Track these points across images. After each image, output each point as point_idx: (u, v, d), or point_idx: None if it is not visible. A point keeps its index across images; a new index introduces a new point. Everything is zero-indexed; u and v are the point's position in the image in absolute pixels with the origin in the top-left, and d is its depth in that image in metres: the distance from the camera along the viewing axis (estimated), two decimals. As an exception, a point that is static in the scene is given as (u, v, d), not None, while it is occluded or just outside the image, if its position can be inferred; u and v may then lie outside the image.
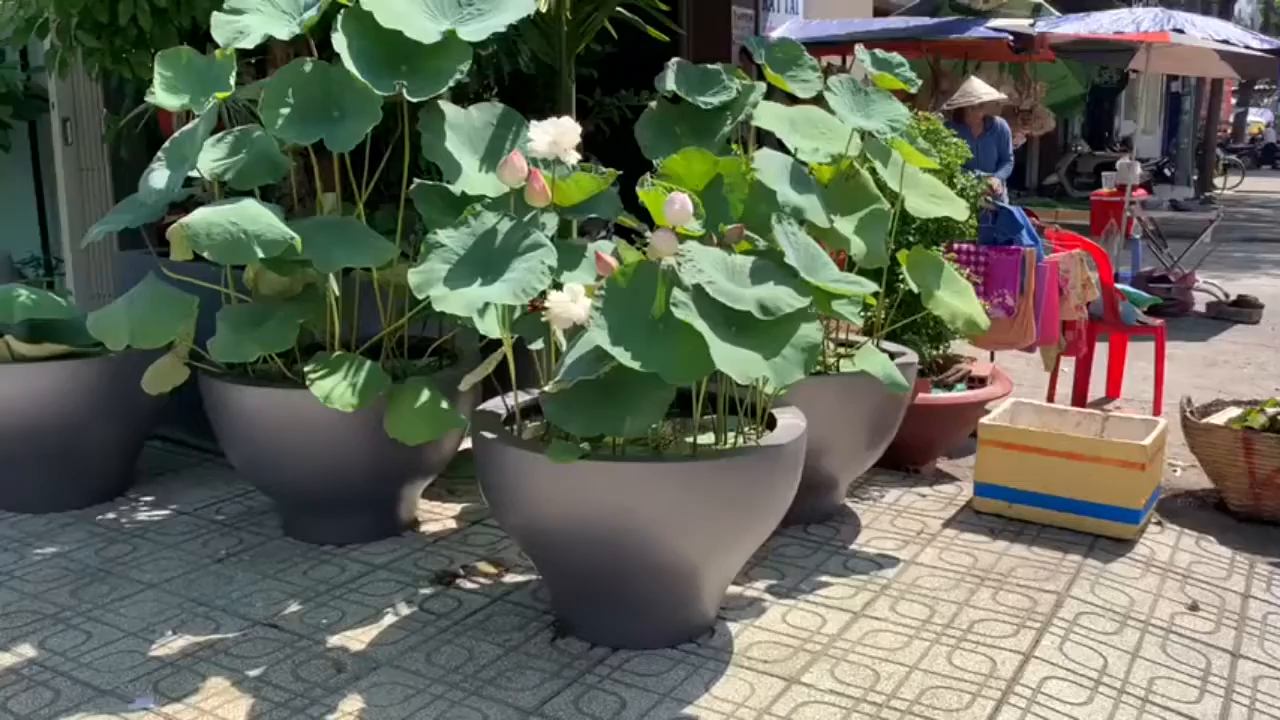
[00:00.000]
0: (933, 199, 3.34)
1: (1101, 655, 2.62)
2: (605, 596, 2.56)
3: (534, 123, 2.56)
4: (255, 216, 2.48)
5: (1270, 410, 3.75)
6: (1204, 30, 7.54)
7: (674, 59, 3.19)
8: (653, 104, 3.19)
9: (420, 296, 2.24)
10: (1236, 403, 4.09)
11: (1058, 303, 4.87)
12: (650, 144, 3.14)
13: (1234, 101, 27.03)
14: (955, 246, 4.48)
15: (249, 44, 2.66)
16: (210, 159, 2.83)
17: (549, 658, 2.54)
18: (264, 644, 2.61)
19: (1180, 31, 7.32)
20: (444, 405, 2.94)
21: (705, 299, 2.19)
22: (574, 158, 2.56)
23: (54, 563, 3.07)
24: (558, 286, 2.34)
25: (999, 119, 6.60)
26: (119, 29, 3.70)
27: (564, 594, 2.67)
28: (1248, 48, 7.48)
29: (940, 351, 4.17)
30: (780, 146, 3.00)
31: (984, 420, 3.55)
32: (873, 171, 3.25)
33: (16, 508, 3.45)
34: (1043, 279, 4.71)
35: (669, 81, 3.15)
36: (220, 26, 2.69)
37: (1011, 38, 8.11)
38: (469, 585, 2.95)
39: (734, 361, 2.13)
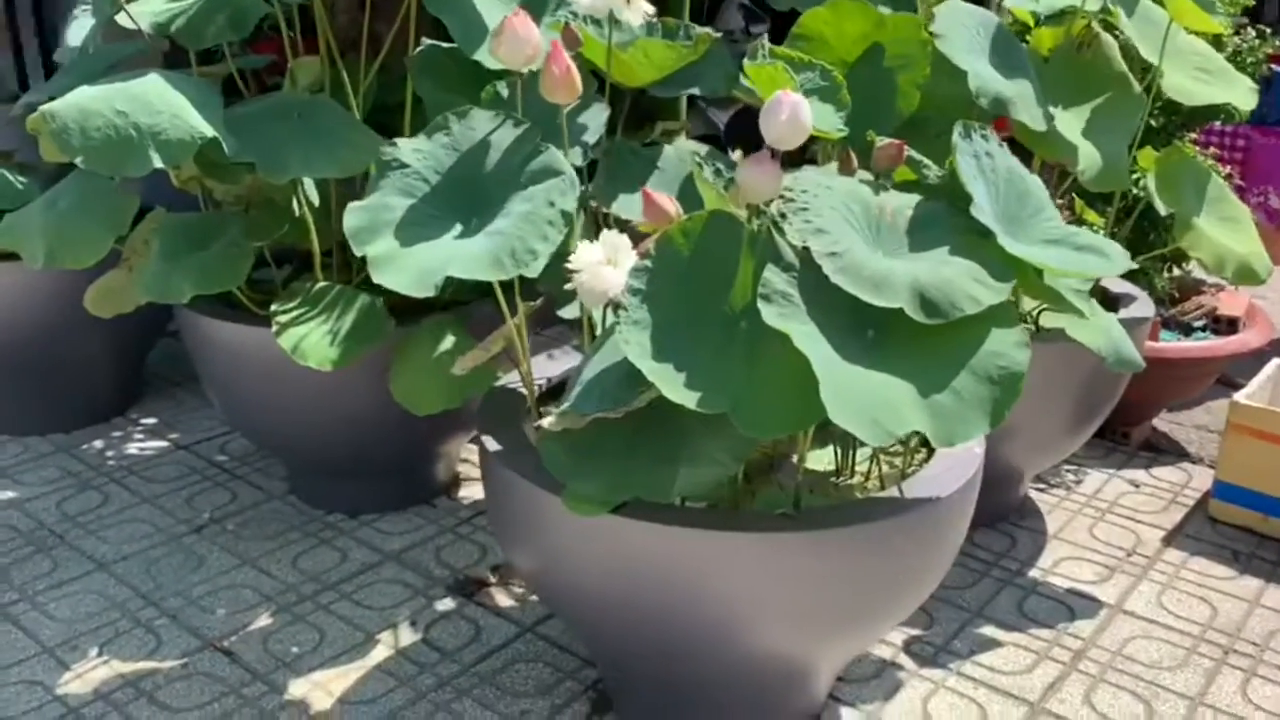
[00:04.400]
0: (1200, 75, 2.24)
1: None
2: (660, 682, 1.75)
3: (583, -40, 1.61)
4: (155, 101, 1.64)
5: None
6: None
7: None
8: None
9: (357, 251, 1.39)
10: None
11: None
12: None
13: None
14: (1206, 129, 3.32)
15: None
16: (151, 6, 2.01)
17: (577, 755, 1.78)
18: (204, 684, 1.93)
19: None
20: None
21: (820, 283, 1.27)
22: (640, 14, 1.61)
23: (3, 517, 2.47)
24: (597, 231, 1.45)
25: None
26: None
27: (604, 666, 1.88)
28: None
29: (1176, 276, 3.08)
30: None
31: (1238, 397, 2.51)
32: (1113, 34, 2.18)
33: (-4, 429, 2.87)
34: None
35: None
36: None
37: None
38: (497, 599, 2.19)
39: (861, 403, 1.21)
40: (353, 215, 1.41)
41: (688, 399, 1.23)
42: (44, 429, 2.85)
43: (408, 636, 2.07)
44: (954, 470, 1.62)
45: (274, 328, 1.99)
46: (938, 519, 1.55)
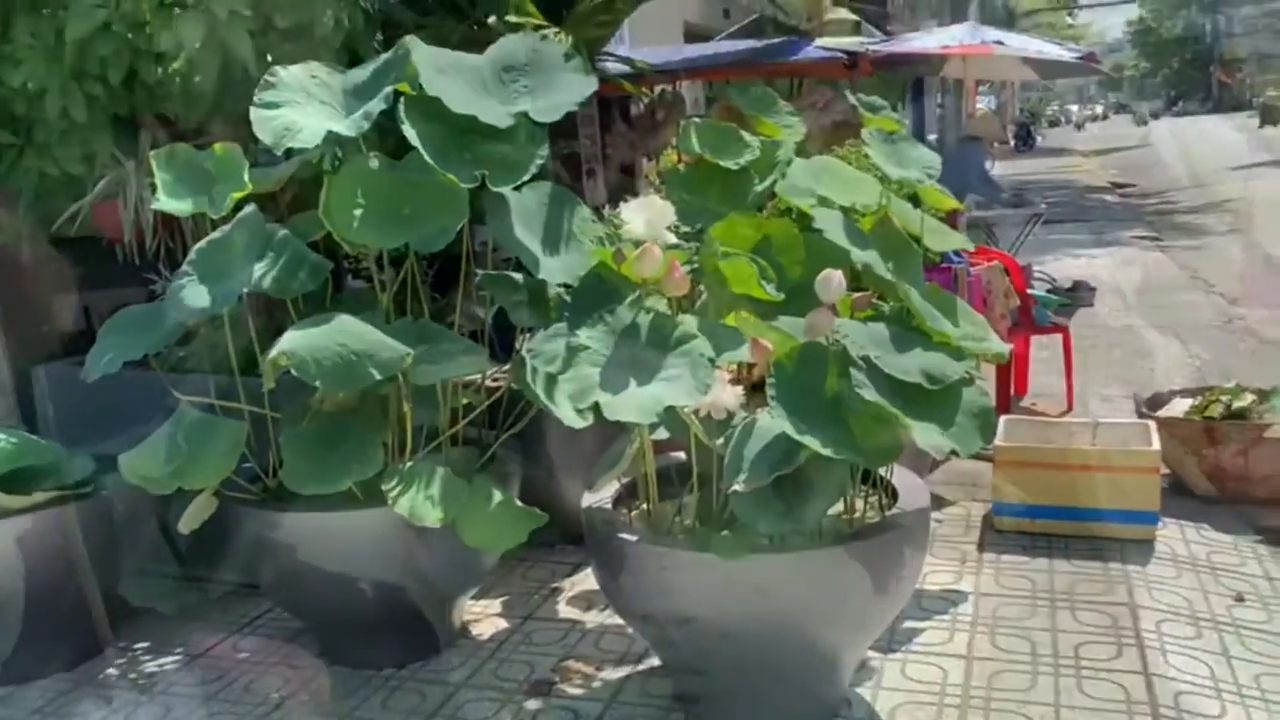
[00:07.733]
0: (938, 234, 3.42)
1: (1204, 664, 2.76)
2: (751, 688, 2.47)
3: (625, 204, 2.45)
4: (359, 334, 2.24)
5: (1224, 399, 4.06)
6: (1018, 43, 8.17)
7: (693, 118, 3.14)
8: (680, 165, 3.12)
9: (578, 409, 2.07)
10: (1177, 392, 4.41)
11: (983, 314, 5.12)
12: (684, 207, 3.07)
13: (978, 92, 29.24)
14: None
15: (304, 142, 2.40)
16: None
17: (709, 759, 2.43)
18: (394, 798, 2.36)
19: (1001, 44, 7.87)
20: (518, 503, 2.77)
21: (878, 374, 2.16)
22: (672, 237, 2.47)
23: (85, 741, 2.68)
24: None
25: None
26: (42, 121, 3.29)
27: (702, 689, 2.55)
28: (1060, 58, 8.17)
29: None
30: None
31: (998, 442, 3.67)
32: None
33: (-10, 680, 2.98)
34: (973, 293, 4.94)
35: (692, 142, 3.09)
36: (262, 123, 2.42)
37: (845, 56, 8.46)
38: (570, 690, 2.78)
39: (925, 436, 2.10)
40: (567, 385, 2.10)
41: (827, 451, 2.05)
42: (46, 670, 3.01)
43: (524, 729, 2.61)
44: (918, 495, 2.53)
45: (390, 500, 2.53)
46: (926, 524, 2.45)
